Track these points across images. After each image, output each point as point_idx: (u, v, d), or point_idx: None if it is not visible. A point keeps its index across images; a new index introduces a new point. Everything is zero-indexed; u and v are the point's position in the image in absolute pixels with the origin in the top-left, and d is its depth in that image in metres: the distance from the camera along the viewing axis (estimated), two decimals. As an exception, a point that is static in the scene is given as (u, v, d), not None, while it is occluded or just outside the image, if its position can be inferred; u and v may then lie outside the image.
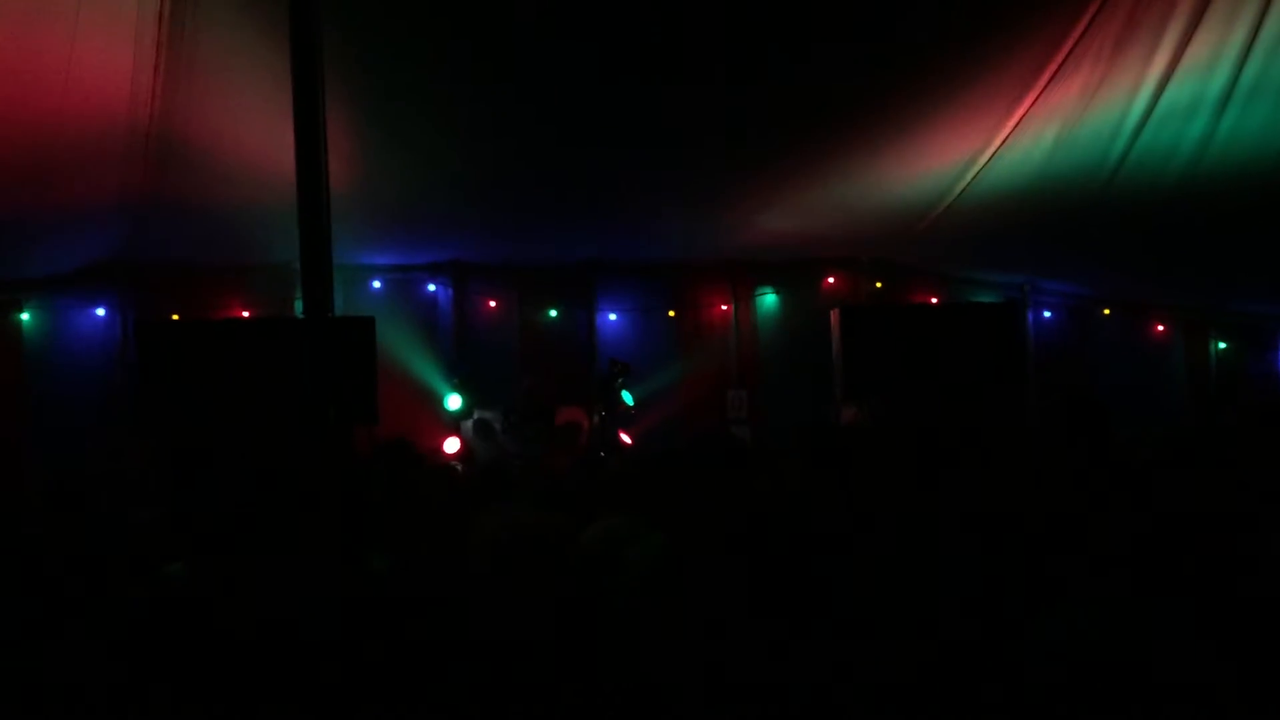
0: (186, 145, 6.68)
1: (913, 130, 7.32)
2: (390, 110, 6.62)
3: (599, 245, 9.72)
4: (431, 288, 10.02)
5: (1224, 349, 10.89)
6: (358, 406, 7.69)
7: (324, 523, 3.40)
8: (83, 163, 6.56)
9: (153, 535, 4.09)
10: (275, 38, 5.04)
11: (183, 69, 5.94)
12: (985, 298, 10.53)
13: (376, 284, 9.76)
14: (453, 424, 9.63)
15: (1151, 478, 3.55)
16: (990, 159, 7.73)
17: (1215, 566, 2.32)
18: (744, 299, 10.55)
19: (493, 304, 10.14)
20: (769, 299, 10.60)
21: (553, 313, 10.23)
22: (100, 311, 9.09)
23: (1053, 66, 6.64)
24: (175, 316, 8.81)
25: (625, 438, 9.57)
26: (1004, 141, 7.49)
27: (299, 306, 6.02)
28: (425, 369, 9.73)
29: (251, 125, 6.40)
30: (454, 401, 9.68)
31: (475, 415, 9.62)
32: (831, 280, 10.55)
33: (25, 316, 8.81)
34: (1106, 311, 10.83)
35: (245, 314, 9.13)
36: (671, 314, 10.43)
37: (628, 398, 9.51)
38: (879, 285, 10.53)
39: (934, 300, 10.47)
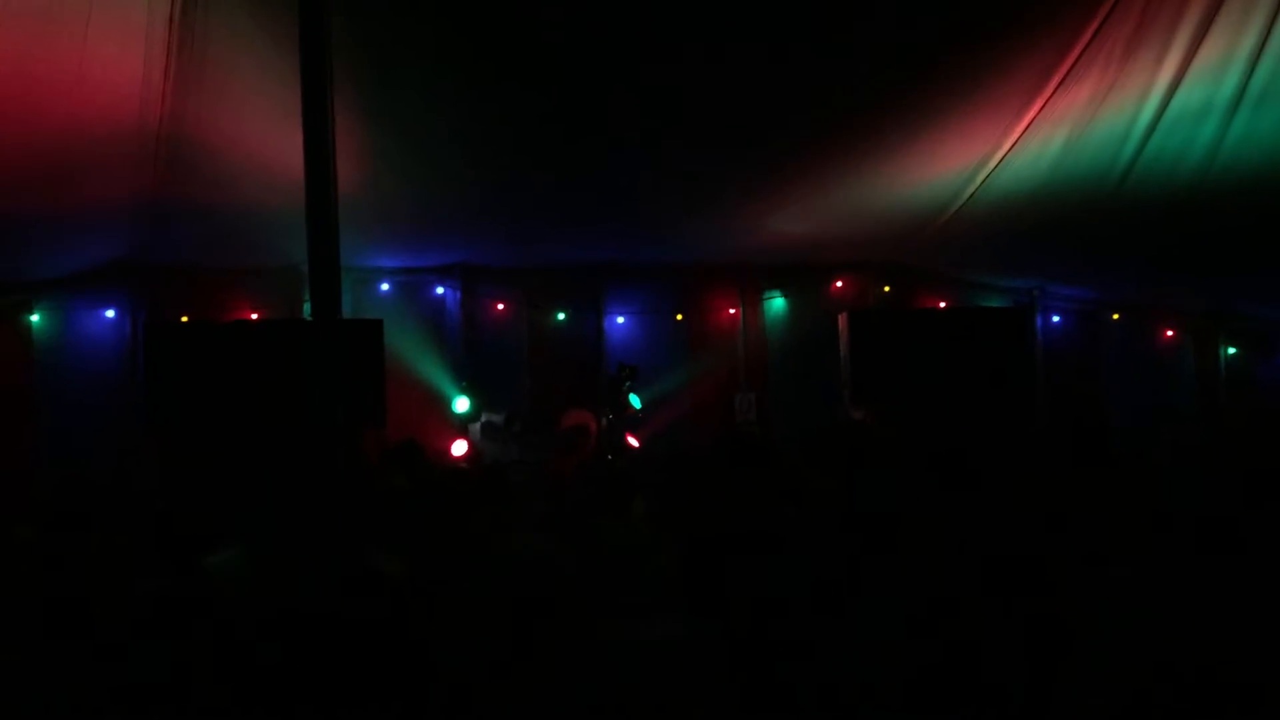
0: (196, 148, 6.69)
1: (922, 134, 7.31)
2: (398, 112, 6.63)
3: (607, 248, 9.72)
4: (440, 290, 10.02)
5: (1234, 354, 10.85)
6: (366, 409, 7.70)
7: (330, 520, 3.41)
8: (93, 165, 6.58)
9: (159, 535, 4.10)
10: (285, 41, 5.06)
11: (193, 72, 5.96)
12: (994, 302, 10.51)
13: (385, 286, 9.77)
14: (461, 426, 9.63)
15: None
16: (999, 163, 7.72)
17: None
18: (752, 302, 10.53)
19: (501, 307, 10.14)
20: (777, 303, 10.58)
21: (561, 316, 10.22)
22: (110, 313, 9.10)
23: (1062, 70, 6.63)
24: (184, 318, 8.82)
25: (633, 441, 9.57)
26: (1013, 146, 7.47)
27: (307, 309, 6.02)
28: (433, 371, 9.72)
29: (261, 128, 6.42)
30: (462, 404, 9.68)
31: (483, 418, 9.62)
32: (840, 284, 10.53)
33: (35, 318, 8.84)
34: (1116, 316, 10.80)
35: (254, 316, 9.15)
36: (679, 317, 10.42)
37: (635, 401, 9.50)
38: (887, 289, 10.50)
39: (943, 304, 10.45)
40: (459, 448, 9.43)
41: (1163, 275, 9.46)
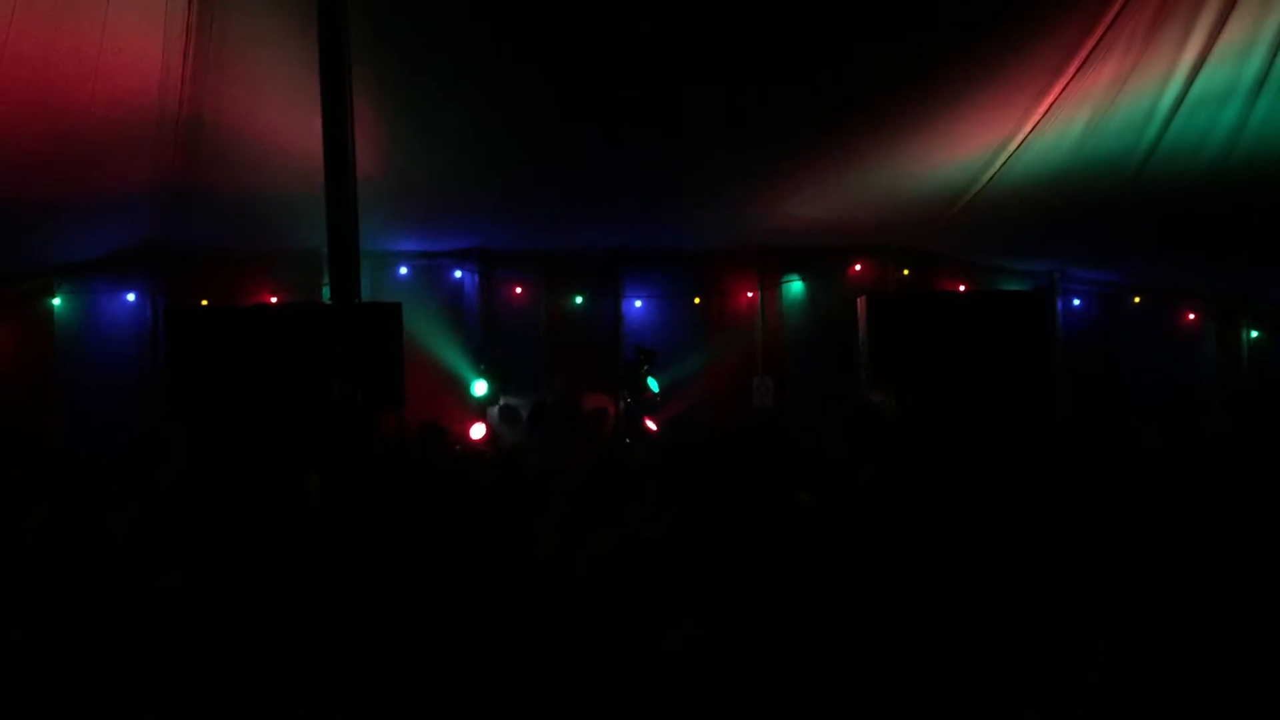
0: (215, 132, 6.72)
1: (942, 117, 7.27)
2: (417, 96, 6.64)
3: (625, 232, 9.71)
4: (458, 274, 10.04)
5: (1256, 338, 10.78)
6: (384, 392, 7.72)
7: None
8: (114, 149, 6.61)
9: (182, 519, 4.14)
10: (303, 24, 5.07)
11: (212, 56, 5.98)
12: (1014, 286, 10.46)
13: (403, 270, 9.80)
14: (479, 410, 9.66)
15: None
16: (1020, 146, 7.67)
17: None
18: (770, 286, 10.51)
19: (519, 290, 10.15)
20: (795, 286, 10.56)
21: (578, 299, 10.23)
22: (131, 297, 9.16)
23: (1084, 53, 6.58)
24: (204, 302, 8.87)
25: (650, 424, 9.58)
26: (1034, 128, 7.42)
27: (326, 292, 6.05)
28: (451, 355, 9.75)
29: (280, 112, 6.43)
30: (480, 388, 9.71)
31: (501, 401, 9.64)
32: (858, 267, 10.50)
33: (57, 301, 8.90)
34: (1136, 299, 10.74)
35: (273, 299, 9.19)
36: (697, 301, 10.42)
37: (653, 384, 9.52)
38: (906, 273, 10.47)
39: (962, 288, 10.42)
40: (477, 431, 9.47)
41: (1185, 259, 9.39)
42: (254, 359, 7.82)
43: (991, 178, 8.18)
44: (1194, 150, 7.29)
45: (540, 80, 6.53)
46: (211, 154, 6.98)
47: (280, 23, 5.71)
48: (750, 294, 10.49)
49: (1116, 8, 6.22)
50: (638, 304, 10.36)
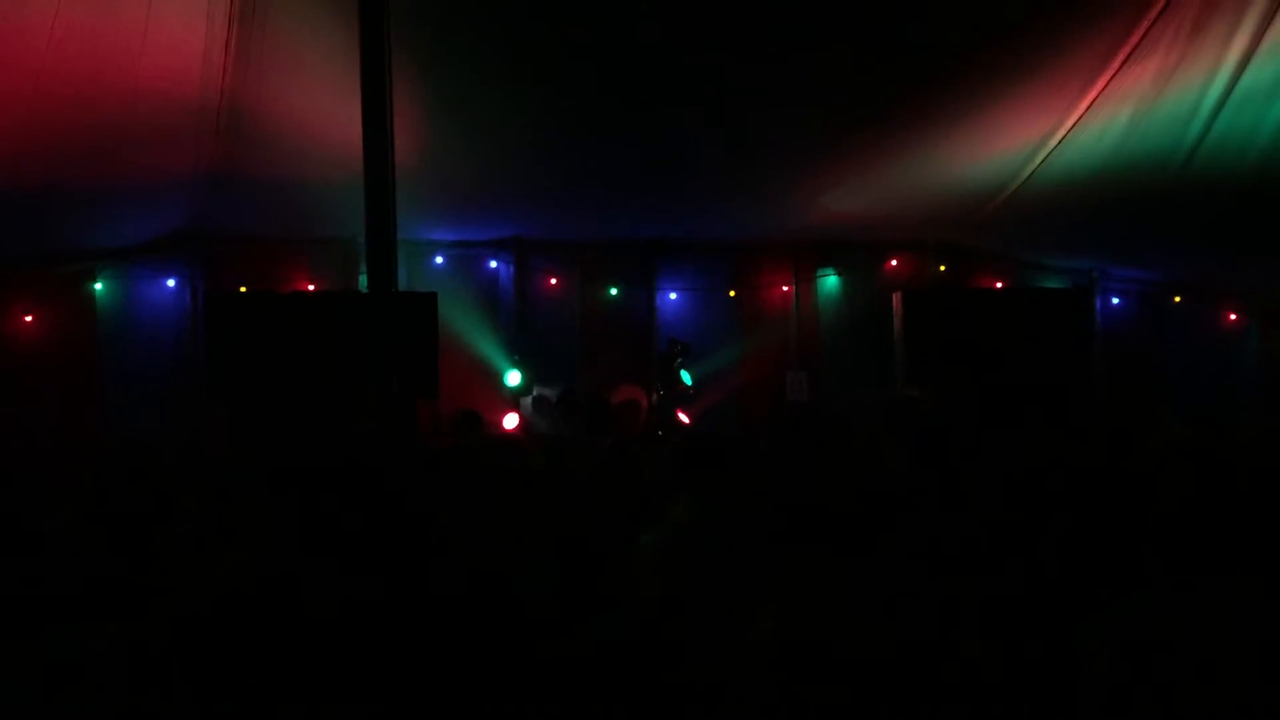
0: (256, 120, 6.78)
1: (982, 111, 7.21)
2: (456, 86, 6.66)
3: (660, 224, 9.70)
4: (493, 264, 10.07)
5: (1301, 338, 10.61)
6: (419, 380, 7.78)
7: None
8: (155, 137, 6.69)
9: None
10: (344, 14, 5.10)
11: (253, 45, 6.03)
12: (1052, 283, 10.36)
13: (439, 259, 9.83)
14: (512, 400, 9.70)
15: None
16: (1061, 142, 7.60)
17: None
18: (805, 280, 10.47)
19: (553, 281, 10.17)
20: (831, 280, 10.51)
21: (613, 291, 10.23)
22: (171, 282, 9.25)
23: (1128, 47, 6.50)
24: (242, 288, 8.95)
25: (684, 417, 9.58)
26: (1075, 123, 7.35)
27: (363, 281, 6.10)
28: (486, 345, 9.79)
29: (319, 101, 6.48)
30: (514, 378, 9.74)
31: (535, 391, 9.67)
32: (895, 263, 10.44)
33: (99, 286, 9.00)
34: (1178, 299, 10.60)
35: (310, 287, 9.26)
36: (732, 294, 10.39)
37: (686, 377, 9.51)
38: (943, 269, 10.40)
39: (999, 285, 10.33)
40: (510, 421, 9.50)
41: (1228, 258, 9.26)
42: (292, 345, 7.91)
43: (1032, 173, 8.11)
44: (1240, 147, 7.18)
45: (580, 69, 6.54)
46: (252, 143, 7.04)
47: (321, 12, 5.75)
48: (785, 288, 10.46)
49: (1162, 3, 6.14)
50: (672, 296, 10.35)
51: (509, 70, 6.57)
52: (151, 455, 4.86)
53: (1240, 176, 7.38)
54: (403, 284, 7.88)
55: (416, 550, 3.13)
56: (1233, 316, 10.66)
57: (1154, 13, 6.21)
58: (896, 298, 9.26)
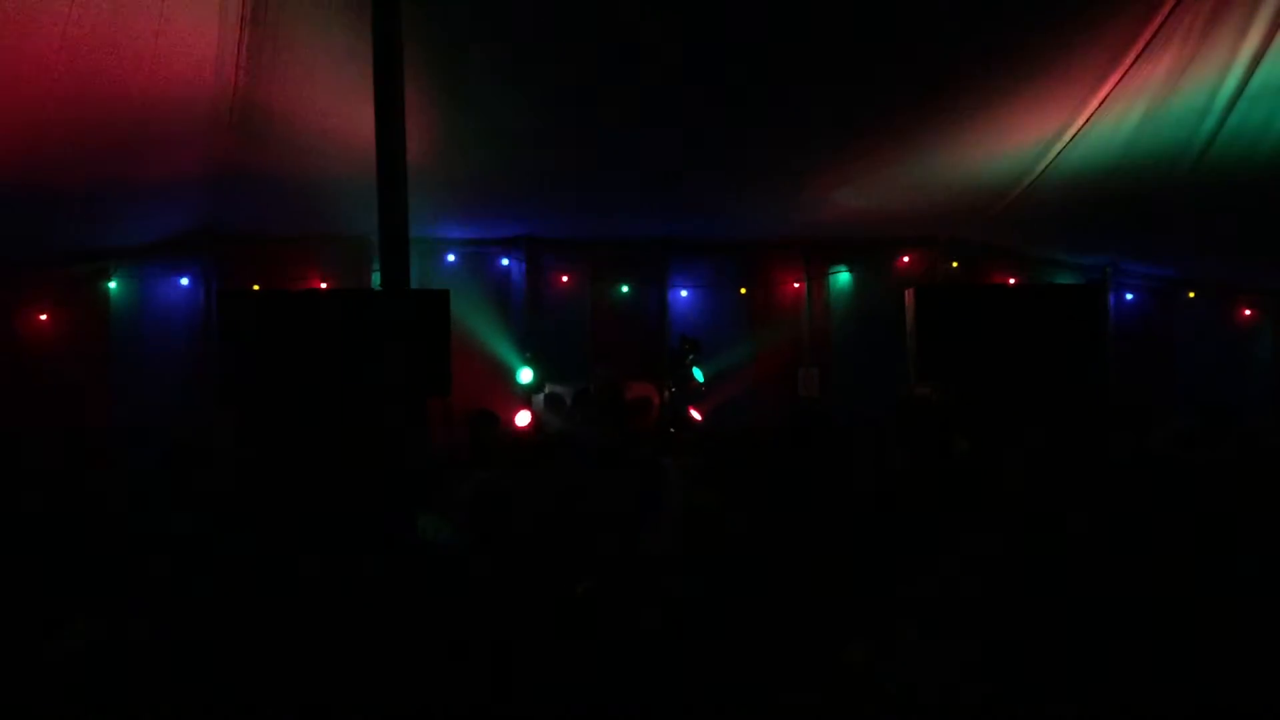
0: (269, 120, 6.79)
1: (994, 107, 7.18)
2: (468, 84, 6.66)
3: (672, 221, 9.70)
4: (505, 262, 10.09)
5: (1317, 335, 10.57)
6: (431, 378, 7.78)
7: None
8: (169, 135, 6.71)
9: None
10: (356, 13, 5.12)
11: (266, 44, 6.04)
12: (1065, 279, 10.33)
13: (451, 257, 9.85)
14: (524, 397, 9.71)
15: None
16: (1074, 137, 7.57)
17: None
18: (817, 277, 10.46)
19: (565, 279, 10.18)
20: (843, 277, 10.50)
21: (624, 288, 10.24)
22: (184, 280, 9.29)
23: (1140, 43, 6.47)
24: (255, 287, 8.98)
25: (695, 414, 9.58)
26: (1088, 120, 7.32)
27: (376, 279, 6.12)
28: (498, 342, 9.80)
29: (332, 100, 6.49)
30: (526, 375, 9.76)
31: (547, 389, 9.68)
32: (907, 259, 10.42)
33: (113, 285, 9.05)
34: (1191, 294, 10.56)
35: (323, 285, 9.28)
36: (743, 291, 10.39)
37: (698, 374, 9.51)
38: (955, 265, 10.37)
39: (1012, 281, 10.30)
40: (522, 418, 9.51)
41: (1243, 253, 9.22)
42: (304, 343, 7.92)
43: (1045, 169, 8.08)
44: (1253, 143, 7.15)
45: (592, 66, 6.53)
46: (264, 142, 7.05)
47: (334, 12, 5.75)
48: (797, 285, 10.45)
49: (1174, -1, 6.12)
50: (684, 294, 10.35)
51: (521, 69, 6.57)
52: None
53: (1254, 172, 7.35)
54: (415, 282, 7.86)
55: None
56: (1247, 312, 10.62)
57: (1167, 9, 6.18)
58: (909, 294, 9.19)
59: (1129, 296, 10.55)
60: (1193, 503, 3.15)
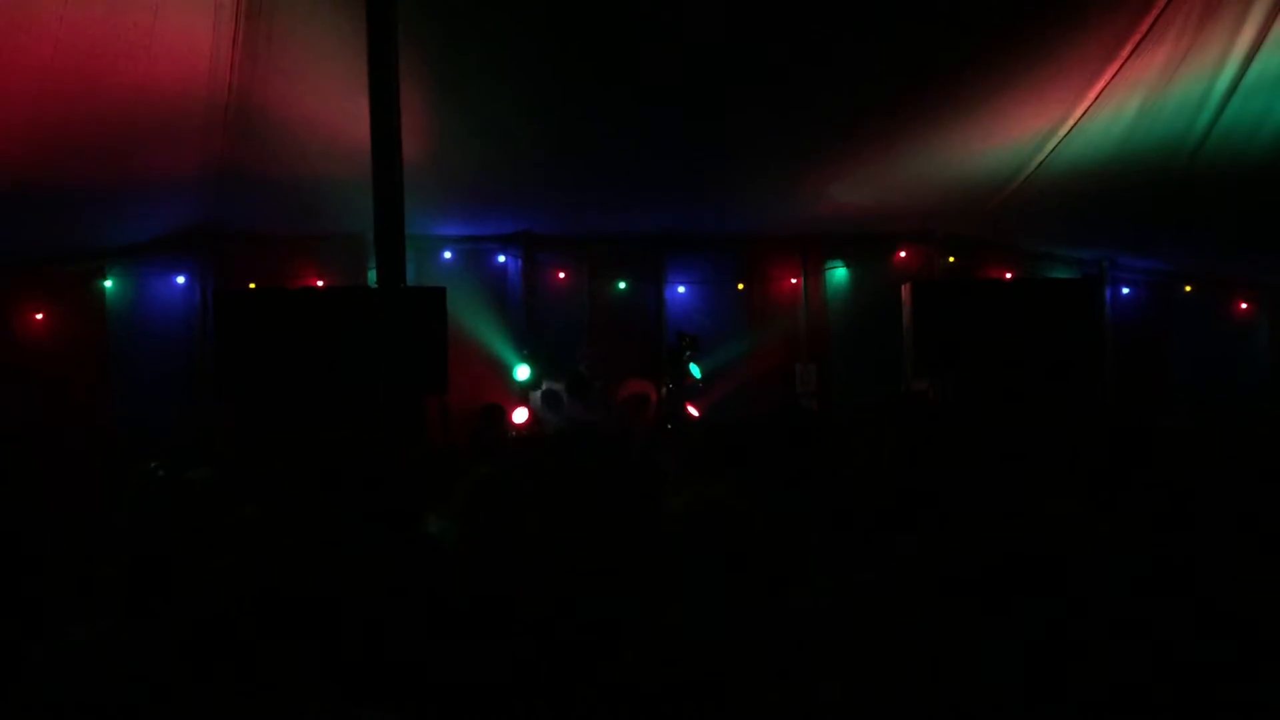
0: (264, 117, 6.78)
1: (990, 102, 7.18)
2: (464, 81, 6.66)
3: (668, 218, 9.70)
4: (501, 259, 10.08)
5: (1313, 328, 10.58)
6: (428, 375, 7.79)
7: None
8: (164, 134, 6.70)
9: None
10: (352, 9, 5.11)
11: (261, 42, 6.03)
12: (1062, 274, 10.33)
13: (447, 255, 9.84)
14: (521, 394, 9.70)
15: None
16: (1069, 132, 7.57)
17: None
18: (814, 272, 10.46)
19: (562, 276, 10.18)
20: (839, 273, 10.50)
21: (621, 285, 10.23)
22: (180, 279, 9.28)
23: (1136, 37, 6.47)
24: (252, 285, 8.97)
25: (692, 410, 9.58)
26: (1084, 114, 7.32)
27: (372, 276, 6.13)
28: (494, 339, 9.80)
29: (328, 97, 6.48)
30: (523, 372, 9.75)
31: (544, 386, 9.68)
32: (903, 254, 10.42)
33: (109, 284, 9.03)
34: (1188, 288, 10.56)
35: (319, 283, 9.28)
36: (740, 287, 10.39)
37: (695, 370, 9.50)
38: (952, 260, 10.37)
39: (1009, 276, 10.30)
40: (520, 415, 9.51)
41: (1239, 247, 9.23)
42: (301, 341, 7.92)
43: (1041, 163, 8.08)
44: (1249, 136, 7.15)
45: (586, 62, 6.53)
46: (260, 139, 7.05)
47: (329, 9, 5.75)
48: (794, 280, 10.45)
49: (1171, -9, 6.12)
50: (681, 290, 10.35)
51: (516, 65, 6.57)
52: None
53: (1250, 165, 7.35)
54: (411, 279, 7.85)
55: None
56: (1244, 306, 10.63)
57: (1162, 1, 6.18)
58: (905, 289, 9.23)
59: (1125, 291, 10.56)
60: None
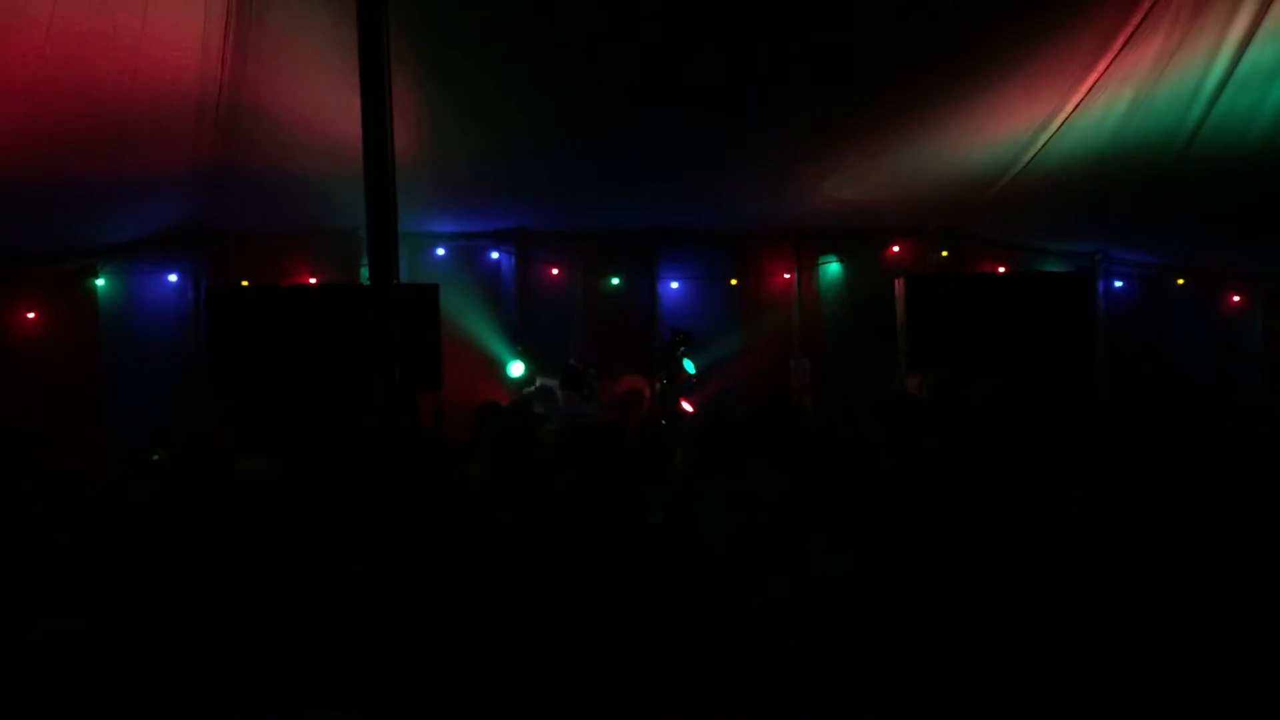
0: (255, 113, 6.76)
1: (982, 96, 7.18)
2: (456, 77, 6.64)
3: (662, 213, 9.70)
4: (495, 255, 10.08)
5: (1304, 321, 10.59)
6: (422, 372, 7.78)
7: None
8: (155, 131, 6.68)
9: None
10: (342, 4, 5.08)
11: (252, 37, 6.01)
12: (1055, 267, 10.35)
13: (440, 251, 9.84)
14: (515, 391, 9.70)
15: None
16: (1062, 125, 7.57)
17: None
18: (807, 267, 10.47)
19: (555, 271, 10.17)
20: (833, 267, 10.51)
21: (615, 281, 10.23)
22: (172, 277, 9.26)
23: (1128, 29, 6.47)
24: (244, 282, 8.95)
25: (687, 406, 9.58)
26: (1076, 107, 7.32)
27: (365, 273, 6.12)
28: (488, 336, 9.80)
29: (319, 93, 6.46)
30: (516, 369, 9.75)
31: (538, 382, 9.68)
32: (897, 249, 10.43)
33: (101, 282, 9.01)
34: (1181, 281, 10.58)
35: (312, 280, 9.26)
36: (734, 282, 10.39)
37: (689, 366, 9.51)
38: (945, 254, 10.39)
39: (1002, 270, 10.32)
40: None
41: (1231, 240, 9.24)
42: (293, 339, 7.91)
43: (1033, 157, 8.09)
44: (1241, 129, 7.15)
45: (579, 57, 6.52)
46: (251, 136, 7.02)
47: (320, 4, 5.73)
48: (787, 275, 10.45)
49: (1162, -17, 6.12)
50: (674, 285, 10.35)
51: (509, 61, 6.56)
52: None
53: (1242, 159, 7.36)
54: (404, 276, 7.82)
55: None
56: (1236, 299, 10.65)
57: (1155, -6, 6.19)
58: (899, 284, 9.25)
59: (1118, 284, 10.57)
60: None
